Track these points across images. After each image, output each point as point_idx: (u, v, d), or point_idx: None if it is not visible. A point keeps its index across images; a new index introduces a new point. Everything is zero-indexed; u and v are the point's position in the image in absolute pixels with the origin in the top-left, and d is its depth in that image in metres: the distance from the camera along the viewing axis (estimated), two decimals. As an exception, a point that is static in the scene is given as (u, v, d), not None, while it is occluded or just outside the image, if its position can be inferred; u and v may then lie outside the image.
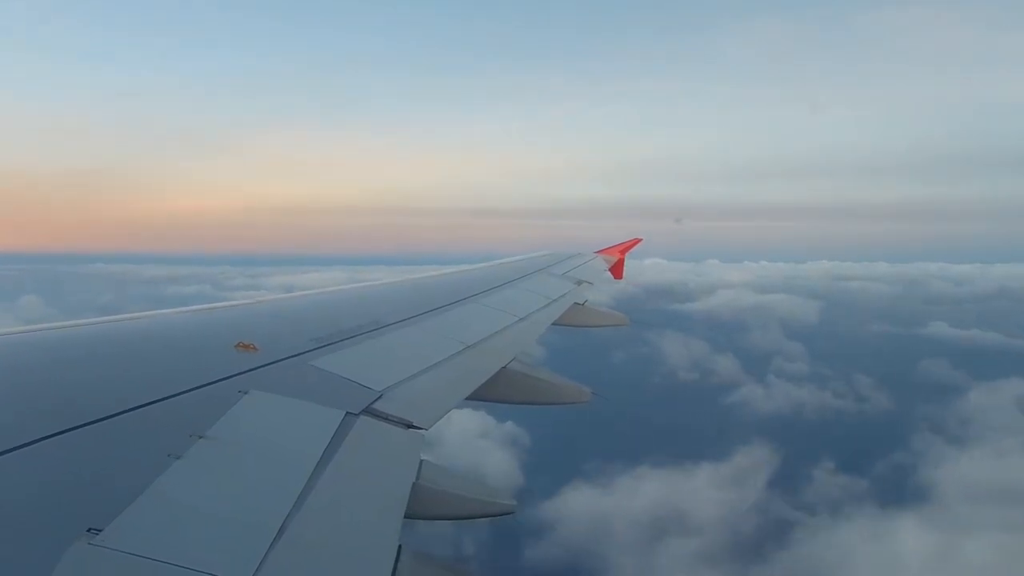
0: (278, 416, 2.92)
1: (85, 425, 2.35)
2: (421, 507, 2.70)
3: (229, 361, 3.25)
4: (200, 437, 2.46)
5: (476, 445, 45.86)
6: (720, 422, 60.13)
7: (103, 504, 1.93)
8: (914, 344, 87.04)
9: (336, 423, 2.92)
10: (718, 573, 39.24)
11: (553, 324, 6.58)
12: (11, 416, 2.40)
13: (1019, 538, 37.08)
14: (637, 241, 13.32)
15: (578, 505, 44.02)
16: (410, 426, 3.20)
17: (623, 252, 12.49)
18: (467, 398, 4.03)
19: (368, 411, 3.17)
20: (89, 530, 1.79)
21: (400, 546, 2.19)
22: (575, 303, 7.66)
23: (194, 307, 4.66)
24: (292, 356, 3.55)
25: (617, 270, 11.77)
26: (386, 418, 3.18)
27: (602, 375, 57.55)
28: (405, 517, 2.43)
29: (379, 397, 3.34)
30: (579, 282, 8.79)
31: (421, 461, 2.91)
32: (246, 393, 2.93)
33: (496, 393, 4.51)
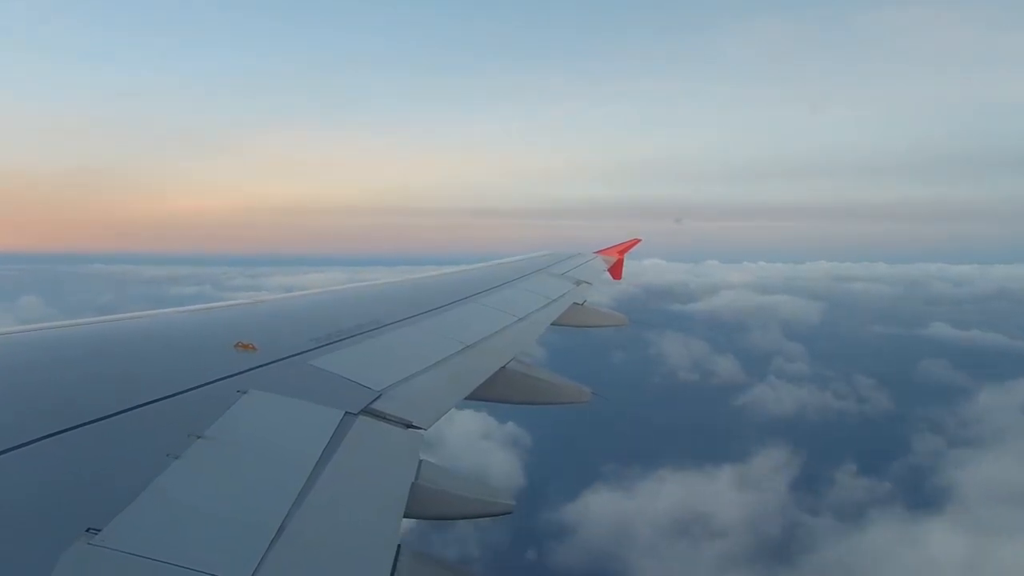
0: (277, 416, 2.92)
1: (84, 425, 2.36)
2: (420, 507, 2.70)
3: (228, 361, 3.26)
4: (199, 437, 2.46)
5: (478, 446, 45.90)
6: (723, 423, 60.13)
7: (102, 504, 1.93)
8: (915, 345, 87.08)
9: (335, 423, 2.92)
10: (736, 574, 39.20)
11: (552, 324, 6.58)
12: (10, 416, 2.40)
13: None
14: (636, 241, 13.32)
15: (578, 505, 44.01)
16: (409, 426, 3.20)
17: (622, 252, 12.49)
18: (466, 398, 4.03)
19: (367, 411, 3.17)
20: (88, 530, 1.79)
21: (399, 546, 2.19)
22: (574, 303, 7.66)
23: (193, 307, 4.67)
24: (291, 356, 3.55)
25: (616, 270, 11.77)
26: (385, 418, 3.18)
27: (602, 375, 57.54)
28: (404, 517, 2.43)
29: (378, 397, 3.34)
30: (578, 282, 8.80)
31: (420, 461, 2.91)
32: (245, 393, 2.93)
33: (495, 393, 4.51)
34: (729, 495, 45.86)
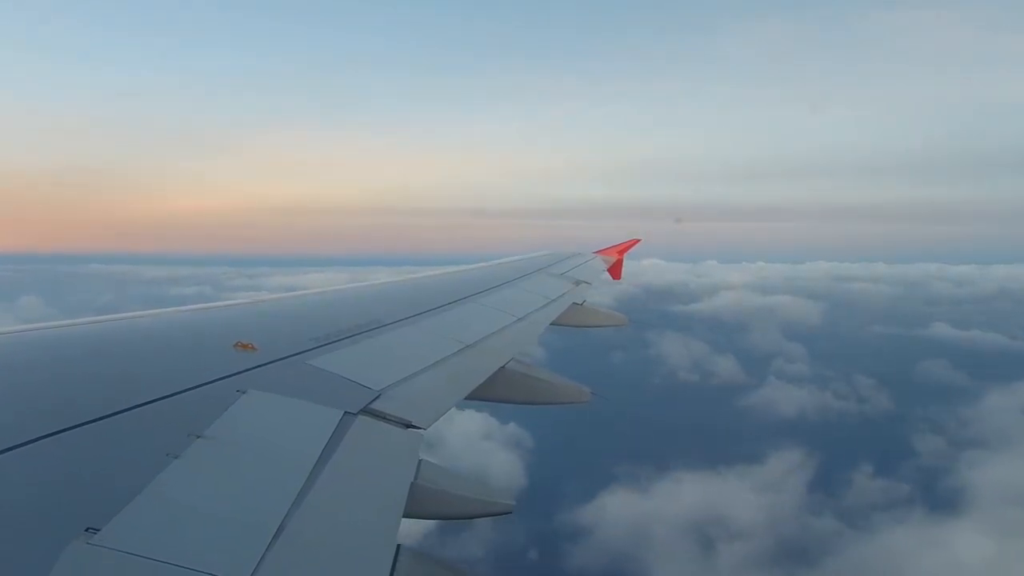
0: (276, 415, 2.92)
1: (83, 424, 2.35)
2: (420, 507, 2.70)
3: (227, 360, 3.25)
4: (198, 436, 2.46)
5: (479, 447, 45.92)
6: (724, 424, 60.05)
7: (101, 503, 1.93)
8: (916, 345, 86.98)
9: (335, 422, 2.92)
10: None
11: (552, 324, 6.58)
12: (10, 415, 2.40)
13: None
14: (636, 242, 13.32)
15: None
16: (409, 426, 3.20)
17: (622, 252, 12.50)
18: (466, 398, 4.03)
19: (367, 410, 3.17)
20: (87, 529, 1.79)
21: (399, 545, 2.19)
22: (574, 303, 7.66)
23: (192, 306, 4.66)
24: (290, 355, 3.54)
25: (616, 270, 11.77)
26: (385, 417, 3.18)
27: (602, 375, 57.52)
28: (404, 517, 2.43)
29: (378, 397, 3.34)
30: (578, 282, 8.80)
31: (420, 460, 2.91)
32: (244, 392, 2.93)
33: (495, 393, 4.51)
34: (733, 496, 45.80)
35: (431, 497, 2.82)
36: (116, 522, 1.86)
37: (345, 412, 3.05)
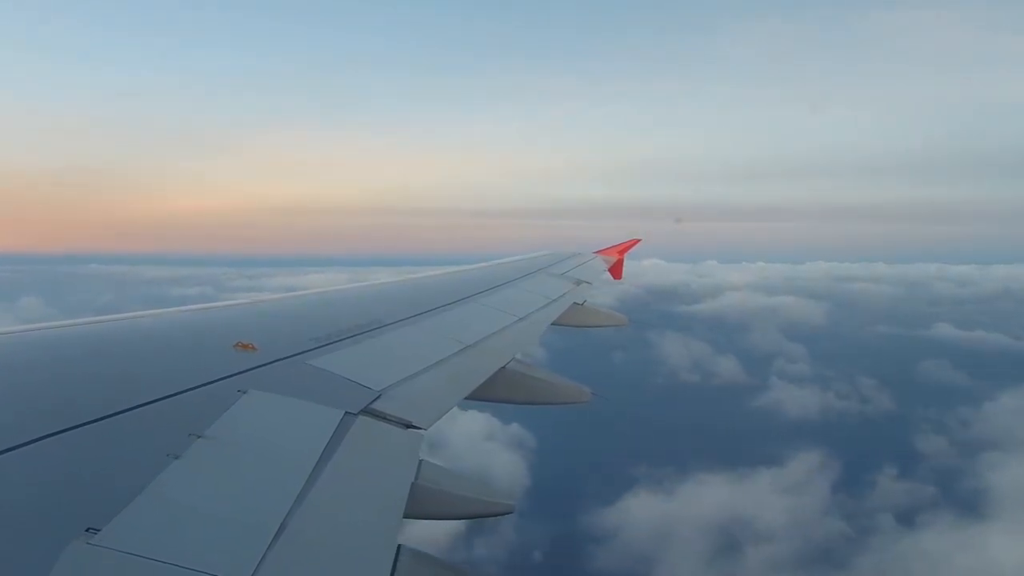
0: (277, 416, 2.92)
1: (84, 424, 2.35)
2: (420, 507, 2.70)
3: (228, 361, 3.25)
4: (199, 437, 2.45)
5: (482, 447, 45.90)
6: (728, 424, 59.91)
7: (101, 503, 1.93)
8: (920, 346, 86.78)
9: (335, 423, 2.91)
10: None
11: (552, 324, 6.57)
12: (10, 415, 2.40)
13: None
14: (636, 242, 13.31)
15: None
16: (409, 426, 3.20)
17: (622, 253, 12.49)
18: (466, 398, 4.03)
19: (367, 411, 3.17)
20: (87, 529, 1.79)
21: (399, 546, 2.19)
22: (574, 303, 7.65)
23: (193, 307, 4.66)
24: (291, 356, 3.54)
25: (616, 270, 11.77)
26: (385, 418, 3.18)
27: (604, 376, 57.46)
28: (404, 517, 2.43)
29: (378, 397, 3.34)
30: (578, 282, 8.79)
31: (420, 461, 2.90)
32: (245, 393, 2.93)
33: (495, 393, 4.51)
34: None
35: (431, 497, 2.81)
36: (116, 522, 1.85)
37: (346, 412, 3.05)
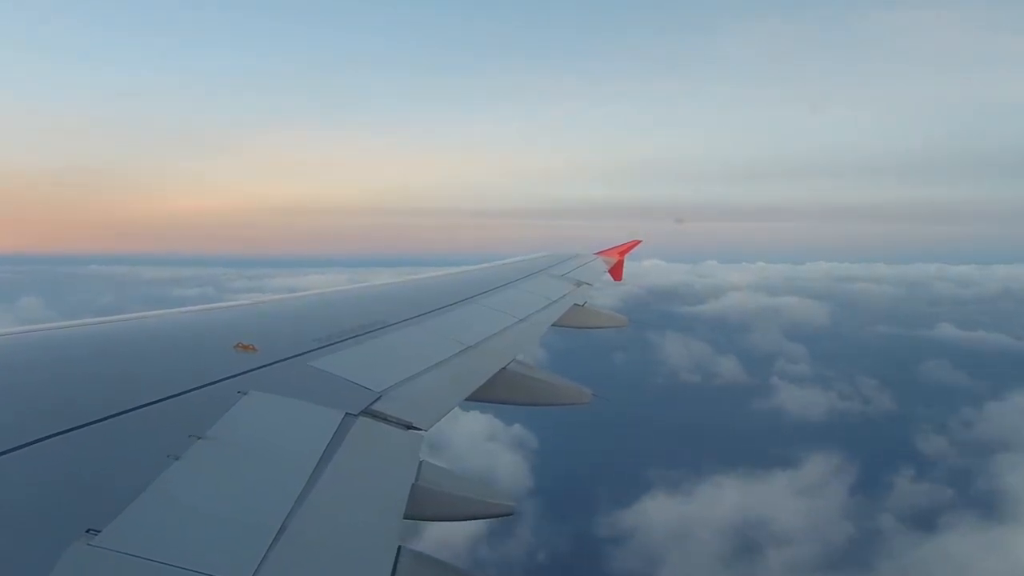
0: (277, 417, 2.92)
1: (84, 426, 2.35)
2: (421, 508, 2.70)
3: (228, 362, 3.25)
4: (199, 438, 2.46)
5: (484, 448, 45.87)
6: (732, 425, 59.73)
7: (102, 505, 1.93)
8: (922, 346, 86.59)
9: (335, 424, 2.91)
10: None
11: (553, 326, 6.58)
12: (11, 416, 2.40)
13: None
14: (636, 243, 13.31)
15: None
16: (409, 427, 3.20)
17: (622, 254, 12.49)
18: (467, 399, 4.03)
19: (367, 412, 3.17)
20: (88, 531, 1.79)
21: (400, 547, 2.19)
22: (575, 304, 7.66)
23: (193, 308, 4.66)
24: (291, 357, 3.54)
25: (617, 272, 11.77)
26: (385, 419, 3.18)
27: (605, 376, 57.41)
28: (404, 518, 2.43)
29: (379, 398, 3.34)
30: (579, 283, 8.80)
31: (420, 462, 2.90)
32: (245, 394, 2.93)
33: (496, 394, 4.51)
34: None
35: (432, 498, 2.81)
36: (117, 523, 1.85)
37: (346, 413, 3.05)
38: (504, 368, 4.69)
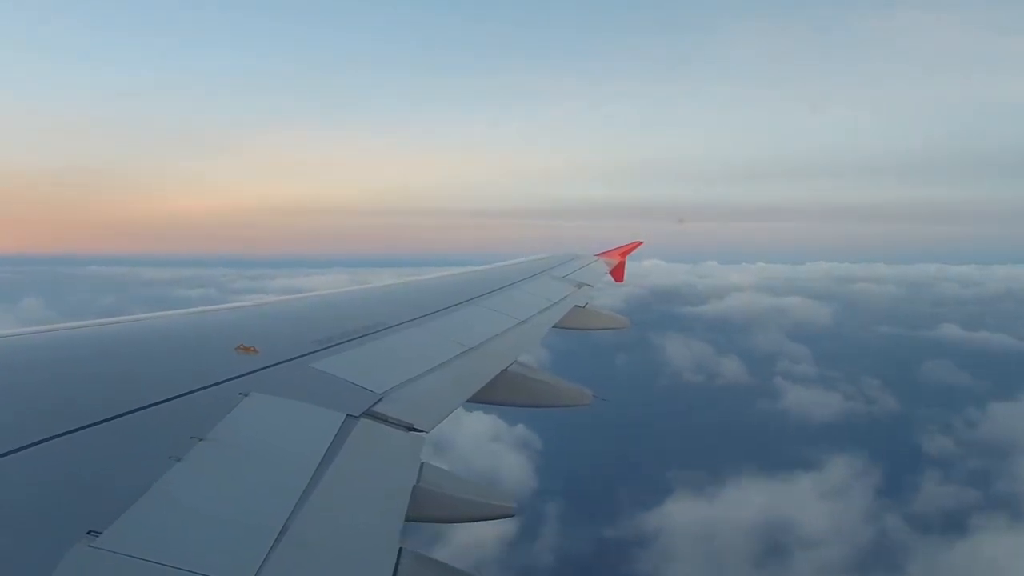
0: (279, 418, 2.92)
1: (86, 427, 2.36)
2: (422, 510, 2.70)
3: (230, 363, 3.25)
4: (201, 439, 2.46)
5: (488, 449, 45.82)
6: (737, 426, 59.54)
7: (103, 506, 1.93)
8: (925, 347, 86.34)
9: (337, 425, 2.91)
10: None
11: (554, 327, 6.58)
12: (12, 418, 2.40)
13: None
14: (637, 244, 13.30)
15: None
16: (411, 428, 3.20)
17: (623, 255, 12.48)
18: (468, 400, 4.03)
19: (369, 413, 3.17)
20: (89, 532, 1.79)
21: (401, 548, 2.19)
22: (576, 306, 7.65)
23: (195, 309, 4.66)
24: (293, 358, 3.54)
25: (618, 273, 11.76)
26: (387, 420, 3.18)
27: (606, 378, 57.33)
28: (406, 520, 2.43)
29: (380, 399, 3.34)
30: (580, 285, 8.79)
31: (422, 463, 2.90)
32: (247, 395, 2.93)
33: (497, 396, 4.50)
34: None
35: (433, 500, 2.81)
36: (118, 525, 1.85)
37: (347, 415, 3.05)
38: (505, 370, 4.69)
